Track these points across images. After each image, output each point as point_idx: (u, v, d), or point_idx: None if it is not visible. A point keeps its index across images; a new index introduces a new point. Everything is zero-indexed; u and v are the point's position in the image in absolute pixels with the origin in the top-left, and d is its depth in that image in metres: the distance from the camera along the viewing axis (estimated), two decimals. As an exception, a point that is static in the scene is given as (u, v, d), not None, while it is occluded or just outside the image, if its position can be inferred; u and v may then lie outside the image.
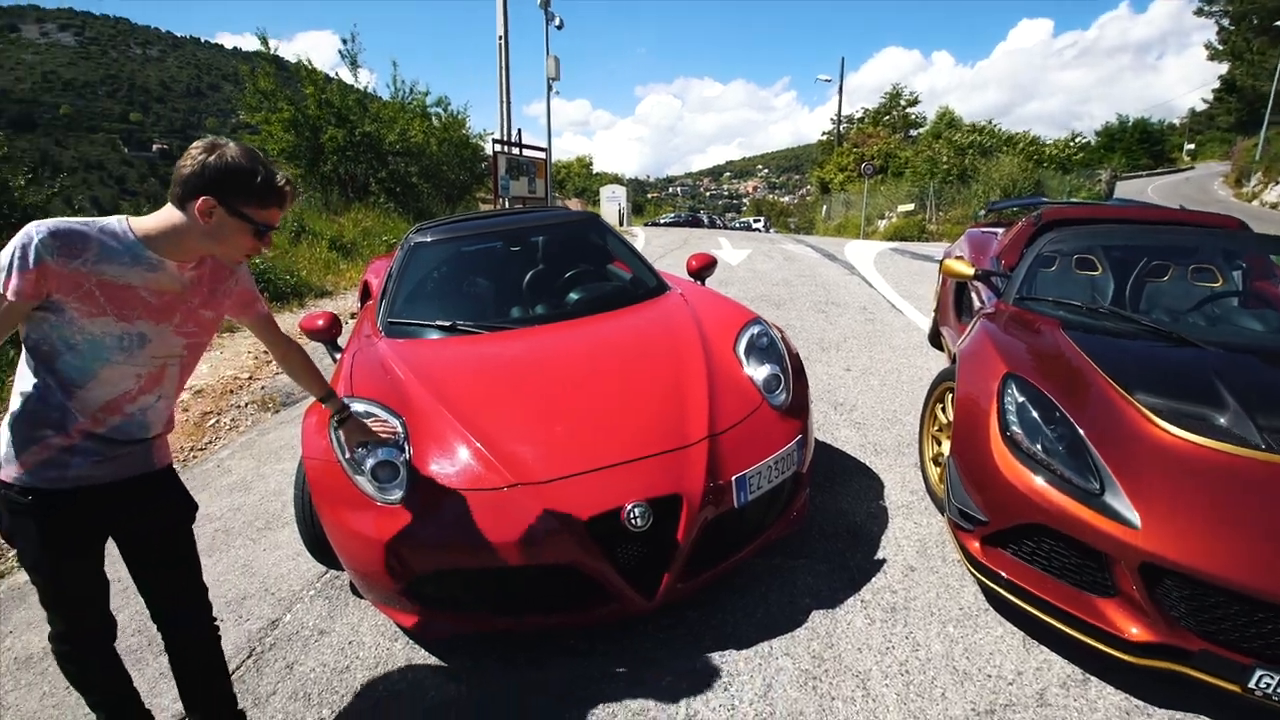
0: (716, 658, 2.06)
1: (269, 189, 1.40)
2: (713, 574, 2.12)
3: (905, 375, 4.67)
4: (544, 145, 16.81)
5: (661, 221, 35.36)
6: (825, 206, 30.93)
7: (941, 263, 5.13)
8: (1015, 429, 2.12)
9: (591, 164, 51.37)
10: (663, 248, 13.53)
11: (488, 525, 1.86)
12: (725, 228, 34.88)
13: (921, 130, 30.90)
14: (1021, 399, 2.18)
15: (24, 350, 1.39)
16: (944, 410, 2.92)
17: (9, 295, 1.28)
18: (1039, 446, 2.04)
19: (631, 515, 1.86)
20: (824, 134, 38.41)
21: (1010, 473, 2.05)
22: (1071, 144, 23.69)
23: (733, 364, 2.53)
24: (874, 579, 2.43)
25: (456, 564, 1.89)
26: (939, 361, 4.96)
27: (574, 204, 32.54)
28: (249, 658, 2.22)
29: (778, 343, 2.69)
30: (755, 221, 39.48)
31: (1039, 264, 3.34)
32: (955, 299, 4.39)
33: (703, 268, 3.70)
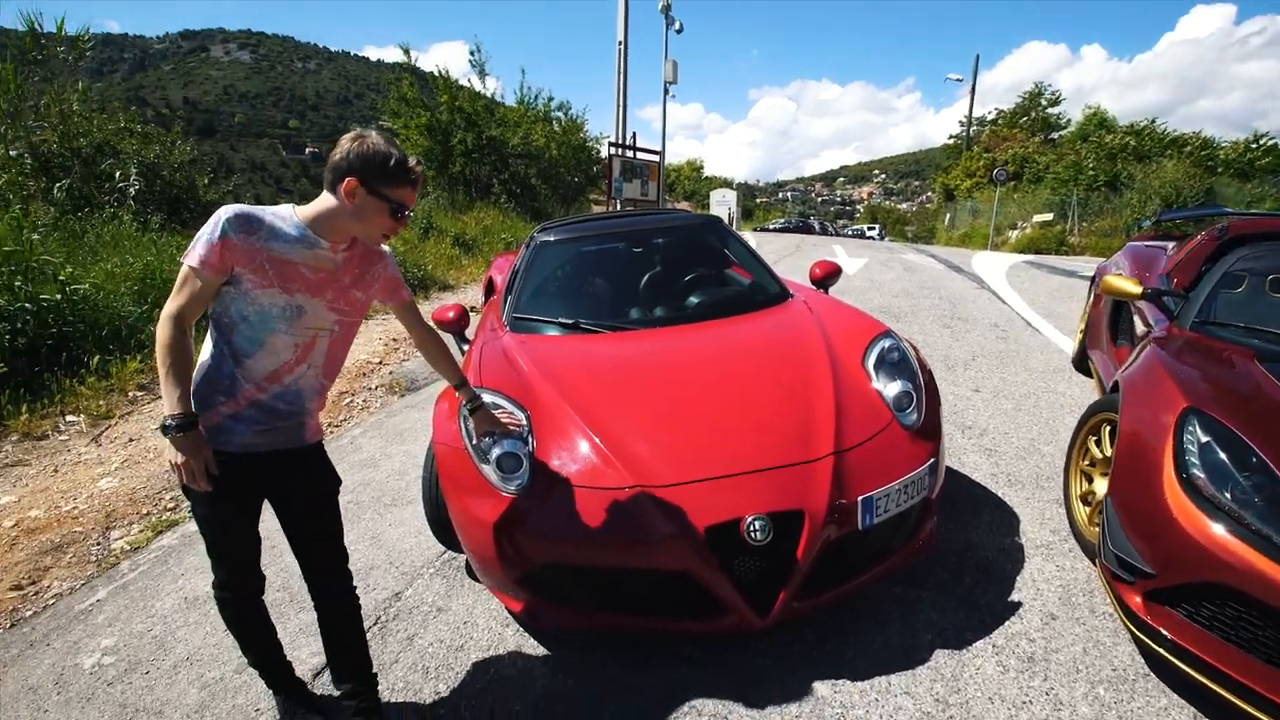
0: (829, 686, 1.96)
1: (402, 170, 1.54)
2: (831, 596, 2.01)
3: (1044, 401, 4.26)
4: (657, 148, 16.97)
5: (771, 227, 34.74)
6: (948, 214, 29.03)
7: (1095, 279, 4.64)
8: (1196, 472, 1.85)
9: (702, 167, 51.41)
10: (774, 254, 13.23)
11: (605, 524, 1.87)
12: (837, 234, 33.67)
13: (1065, 132, 28.21)
14: (1206, 438, 1.90)
15: (210, 326, 1.60)
16: (1098, 444, 2.62)
17: (195, 264, 1.48)
18: (1228, 495, 1.76)
19: (751, 528, 1.80)
20: (951, 137, 36.04)
21: (1188, 521, 1.78)
22: (1255, 146, 20.61)
23: (861, 378, 2.40)
24: (1008, 623, 2.21)
25: (571, 559, 1.91)
26: (1085, 388, 4.49)
27: (684, 207, 32.67)
28: (375, 625, 2.37)
29: (910, 358, 2.53)
30: (870, 229, 37.83)
31: (1224, 284, 2.92)
32: (1111, 320, 3.94)
33: (827, 276, 3.55)
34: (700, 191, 41.75)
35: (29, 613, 2.66)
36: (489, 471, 2.04)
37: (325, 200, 1.58)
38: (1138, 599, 1.91)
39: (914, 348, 2.70)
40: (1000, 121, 31.15)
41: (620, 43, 15.13)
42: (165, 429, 1.48)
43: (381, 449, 4.04)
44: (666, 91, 17.56)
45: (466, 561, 2.67)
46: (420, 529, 2.96)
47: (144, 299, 5.93)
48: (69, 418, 4.62)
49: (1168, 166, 18.17)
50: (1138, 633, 1.91)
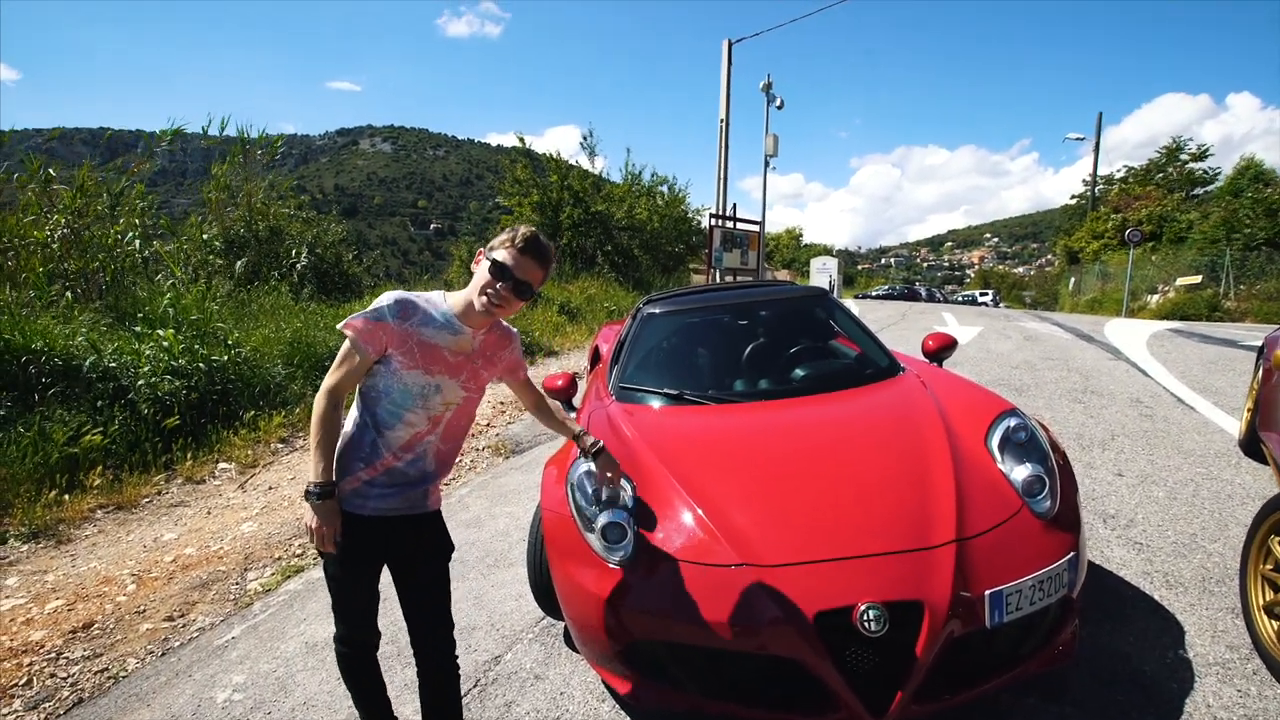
0: (957, 809, 1.74)
1: (510, 237, 1.66)
2: (954, 700, 1.81)
3: (1205, 489, 3.74)
4: (757, 219, 17.23)
5: (873, 294, 33.84)
6: (1073, 279, 26.98)
7: (1264, 350, 4.11)
8: None
9: (801, 235, 51.49)
10: (877, 322, 12.82)
11: (708, 602, 1.82)
12: (946, 301, 32.18)
13: (1212, 187, 25.76)
14: None
15: (357, 397, 1.74)
16: (1284, 545, 2.25)
17: (352, 335, 1.63)
18: None
19: (865, 617, 1.68)
20: (1073, 197, 33.97)
21: None
22: None
23: (984, 459, 2.23)
24: (1178, 755, 1.89)
25: (672, 636, 1.86)
26: (1259, 476, 3.90)
27: (783, 275, 32.62)
28: (474, 687, 2.40)
29: (1040, 438, 2.33)
30: (982, 295, 35.86)
31: None
32: (1287, 399, 3.45)
33: (941, 348, 3.39)
34: (799, 259, 41.65)
35: (177, 643, 2.93)
36: (594, 540, 2.05)
37: (468, 290, 1.72)
38: (1353, 742, 1.58)
39: (1044, 427, 2.49)
40: (1131, 179, 29.03)
41: (722, 120, 15.76)
42: (308, 495, 1.61)
43: (487, 510, 4.19)
44: (767, 164, 17.95)
45: (565, 630, 2.66)
46: (521, 592, 3.01)
47: (290, 361, 6.65)
48: (222, 465, 5.18)
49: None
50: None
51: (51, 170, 7.04)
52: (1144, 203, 25.24)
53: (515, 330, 1.93)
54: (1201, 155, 27.16)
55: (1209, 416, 5.19)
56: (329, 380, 1.66)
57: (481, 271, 1.67)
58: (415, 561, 1.81)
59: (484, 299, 1.65)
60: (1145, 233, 21.75)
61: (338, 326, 1.68)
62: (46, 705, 2.55)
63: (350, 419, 1.75)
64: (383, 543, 1.75)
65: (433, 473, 1.80)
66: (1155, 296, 19.38)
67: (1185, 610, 2.57)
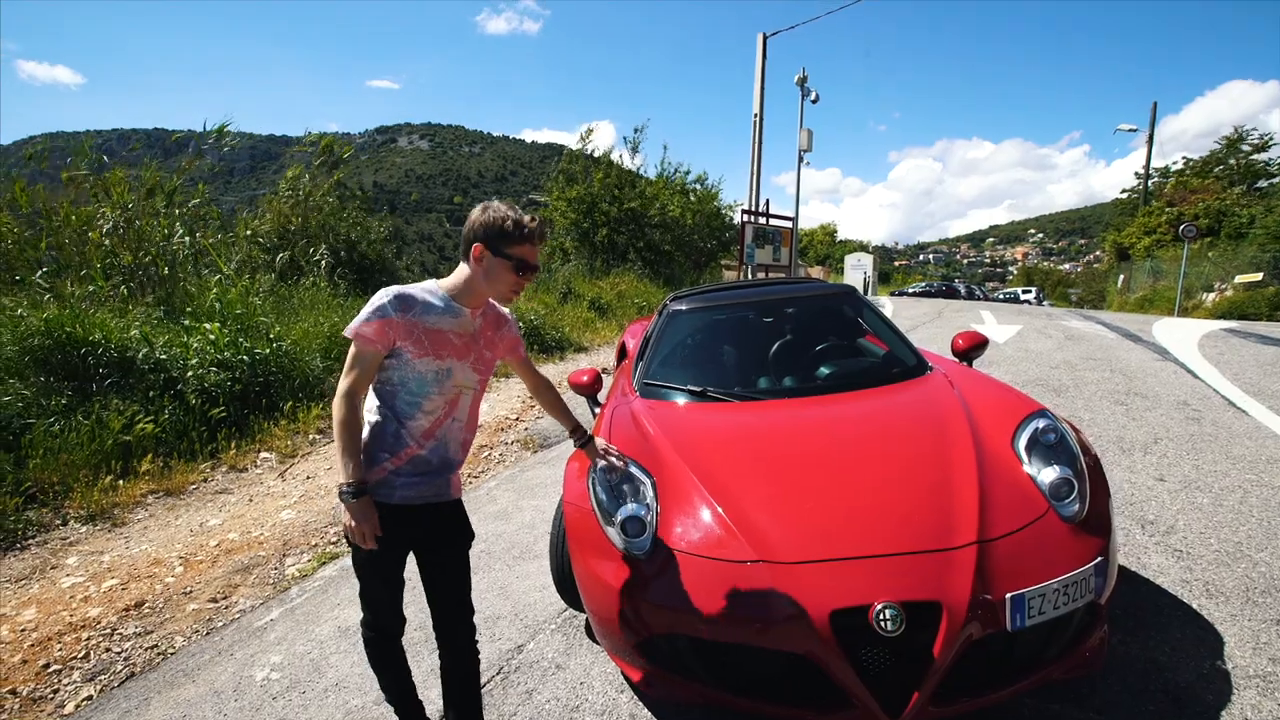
0: (974, 812, 1.73)
1: (519, 228, 1.71)
2: (973, 704, 1.79)
3: (1254, 497, 3.59)
4: (790, 214, 17.03)
5: (910, 291, 33.13)
6: (1122, 276, 25.94)
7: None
8: None
9: (836, 231, 50.72)
10: (911, 320, 12.56)
11: (725, 598, 1.83)
12: (986, 299, 31.33)
13: (1277, 180, 24.42)
14: None
15: (372, 392, 1.79)
16: (1330, 555, 2.15)
17: (360, 340, 1.68)
18: None
19: (881, 616, 1.68)
20: (1124, 191, 32.63)
21: None
22: None
23: (1010, 460, 2.19)
24: (1211, 769, 1.84)
25: (689, 630, 1.88)
26: (1312, 484, 3.72)
27: (816, 272, 32.20)
28: (498, 674, 2.47)
29: (1069, 440, 2.27)
30: (1024, 292, 34.78)
31: None
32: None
33: (971, 347, 3.32)
34: (834, 255, 41.02)
35: (220, 623, 3.08)
36: (613, 534, 2.08)
37: (461, 271, 1.79)
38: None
39: (1075, 429, 2.42)
40: (1188, 172, 27.73)
41: (756, 115, 15.62)
42: (342, 494, 1.67)
43: (514, 502, 4.27)
44: (801, 160, 17.72)
45: (586, 621, 2.71)
46: (545, 584, 3.07)
47: (328, 355, 6.87)
48: (263, 454, 5.39)
49: None
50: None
51: (83, 169, 7.47)
52: (1201, 196, 24.10)
53: (507, 310, 2.00)
54: (1265, 146, 25.78)
55: (1262, 421, 4.96)
56: (344, 384, 1.70)
57: (498, 267, 1.73)
58: (438, 549, 1.87)
59: (512, 294, 1.79)
60: (1201, 228, 20.80)
61: (344, 333, 1.73)
62: (102, 677, 2.71)
63: (371, 412, 1.79)
64: (407, 531, 1.81)
65: (454, 460, 1.86)
66: (1211, 295, 18.52)
67: (1226, 621, 2.48)
